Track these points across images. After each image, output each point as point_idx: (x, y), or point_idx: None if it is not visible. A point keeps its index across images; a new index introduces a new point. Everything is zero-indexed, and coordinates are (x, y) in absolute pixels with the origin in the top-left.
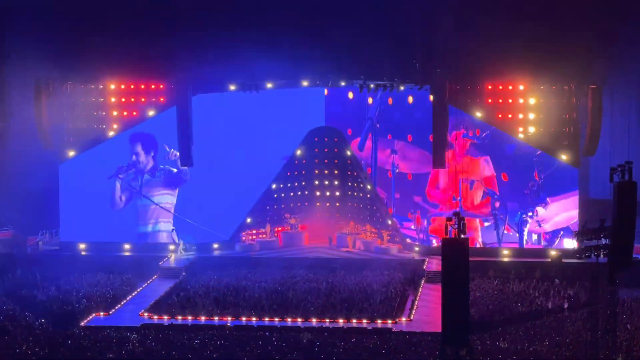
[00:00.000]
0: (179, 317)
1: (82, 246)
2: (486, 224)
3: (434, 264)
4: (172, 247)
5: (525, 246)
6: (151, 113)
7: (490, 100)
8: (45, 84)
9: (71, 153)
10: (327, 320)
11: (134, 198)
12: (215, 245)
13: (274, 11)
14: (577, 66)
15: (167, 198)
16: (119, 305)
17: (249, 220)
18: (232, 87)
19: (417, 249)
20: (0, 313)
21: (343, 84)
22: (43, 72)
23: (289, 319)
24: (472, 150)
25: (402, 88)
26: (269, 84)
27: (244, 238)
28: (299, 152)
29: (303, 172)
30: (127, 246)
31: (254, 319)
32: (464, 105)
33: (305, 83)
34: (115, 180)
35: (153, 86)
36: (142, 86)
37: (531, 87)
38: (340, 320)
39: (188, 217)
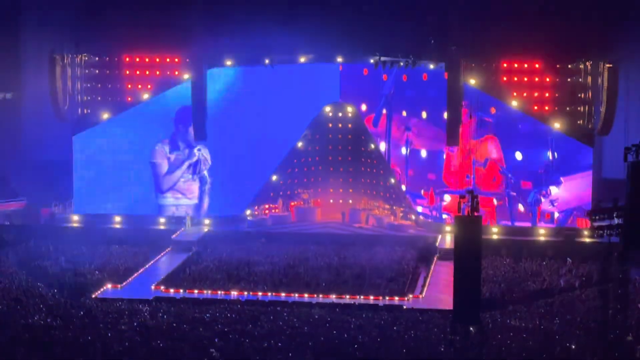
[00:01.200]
0: (191, 291)
1: (95, 218)
2: (498, 202)
3: (447, 242)
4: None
5: (537, 225)
6: (165, 86)
7: (505, 79)
8: (59, 56)
9: (85, 125)
10: (339, 295)
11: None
12: (228, 220)
13: None
14: (593, 45)
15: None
16: (131, 278)
17: (262, 194)
18: (247, 62)
19: (430, 226)
20: (13, 283)
21: (358, 60)
22: (58, 44)
23: (301, 294)
24: (480, 130)
25: (417, 65)
26: (284, 60)
27: (257, 212)
28: (312, 128)
29: (317, 148)
30: (139, 218)
31: (265, 293)
32: (479, 83)
33: (320, 59)
34: (161, 161)
35: (168, 59)
36: (157, 59)
37: (547, 65)
38: (352, 296)
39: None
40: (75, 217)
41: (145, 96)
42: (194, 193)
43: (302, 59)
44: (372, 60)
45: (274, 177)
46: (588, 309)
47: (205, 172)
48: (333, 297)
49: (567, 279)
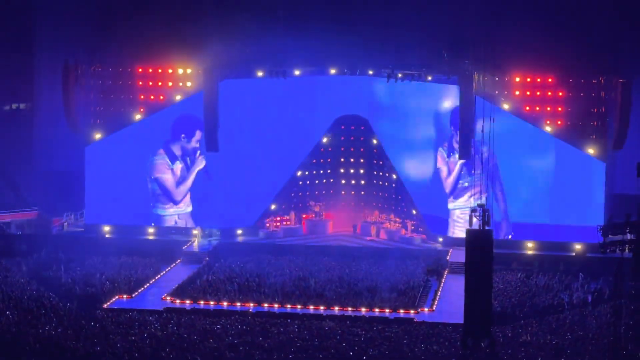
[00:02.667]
0: (201, 302)
1: (106, 228)
2: None
3: (458, 255)
4: (195, 231)
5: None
6: (178, 97)
7: (518, 92)
8: (73, 66)
9: (98, 135)
10: (350, 308)
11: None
12: (239, 232)
13: None
14: (607, 59)
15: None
16: (142, 289)
17: (273, 206)
18: (260, 74)
19: (440, 239)
20: (25, 293)
21: (371, 72)
22: (71, 55)
23: (311, 306)
24: None
25: (429, 78)
26: (297, 71)
27: (268, 225)
28: (325, 140)
29: (329, 160)
30: (151, 230)
31: (276, 305)
32: (492, 97)
33: (333, 71)
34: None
35: (180, 71)
36: (170, 70)
37: (560, 79)
38: (363, 309)
39: (213, 203)
40: (87, 228)
41: (157, 107)
42: (187, 201)
43: (310, 71)
44: (384, 73)
45: (286, 190)
46: (600, 324)
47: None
48: (344, 310)
49: (579, 294)
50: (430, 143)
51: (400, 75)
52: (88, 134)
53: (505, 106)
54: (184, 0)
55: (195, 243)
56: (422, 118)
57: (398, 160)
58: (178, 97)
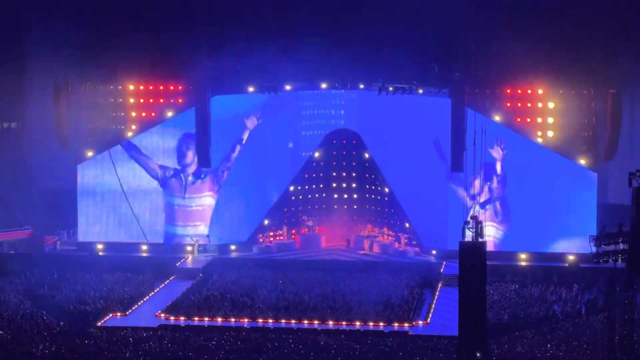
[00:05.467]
0: (196, 318)
1: (99, 246)
2: None
3: (451, 268)
4: (189, 248)
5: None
6: (169, 114)
7: (509, 104)
8: (64, 84)
9: (89, 153)
10: (344, 322)
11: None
12: (233, 247)
13: (293, 13)
14: (597, 70)
15: (207, 200)
16: (136, 306)
17: (266, 222)
18: (251, 89)
19: (434, 252)
20: (18, 312)
21: (362, 86)
22: (62, 72)
23: (306, 321)
24: None
25: (420, 91)
26: (288, 86)
27: (261, 240)
28: (317, 155)
29: (321, 175)
30: (144, 247)
31: (270, 320)
32: (483, 109)
33: (324, 85)
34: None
35: (172, 87)
36: (161, 87)
37: (550, 91)
38: (357, 323)
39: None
40: (80, 246)
41: (149, 124)
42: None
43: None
44: (375, 87)
45: (279, 204)
46: (594, 335)
47: None
48: (338, 324)
49: (573, 305)
50: (421, 156)
51: (391, 88)
52: (80, 152)
53: (497, 118)
54: (174, 17)
55: (189, 259)
56: (412, 131)
57: (390, 173)
58: (169, 114)
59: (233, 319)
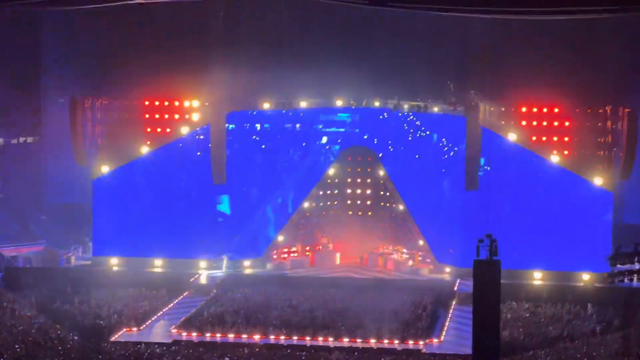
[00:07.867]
0: (209, 334)
1: (114, 261)
2: None
3: (465, 286)
4: (202, 263)
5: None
6: (184, 130)
7: (524, 123)
8: (80, 99)
9: (105, 168)
10: (358, 339)
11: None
12: (247, 263)
13: (308, 30)
14: (613, 89)
15: None
16: (149, 321)
17: (280, 238)
18: (266, 105)
19: (448, 270)
20: (32, 326)
21: (377, 104)
22: (78, 87)
23: (320, 338)
24: None
25: (435, 109)
26: (303, 103)
27: (275, 256)
28: (332, 172)
29: (336, 192)
30: (158, 262)
31: (283, 337)
32: (498, 127)
33: (339, 102)
34: None
35: (187, 103)
36: (176, 103)
37: (566, 109)
38: (371, 340)
39: (220, 234)
40: (94, 260)
41: (164, 140)
42: None
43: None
44: (390, 104)
45: (293, 221)
46: (609, 355)
47: None
48: (352, 341)
49: (588, 324)
50: (437, 173)
51: (406, 106)
52: (95, 167)
53: (512, 136)
54: (190, 33)
55: (203, 275)
56: (428, 149)
57: (405, 190)
58: (185, 130)
59: (246, 336)
